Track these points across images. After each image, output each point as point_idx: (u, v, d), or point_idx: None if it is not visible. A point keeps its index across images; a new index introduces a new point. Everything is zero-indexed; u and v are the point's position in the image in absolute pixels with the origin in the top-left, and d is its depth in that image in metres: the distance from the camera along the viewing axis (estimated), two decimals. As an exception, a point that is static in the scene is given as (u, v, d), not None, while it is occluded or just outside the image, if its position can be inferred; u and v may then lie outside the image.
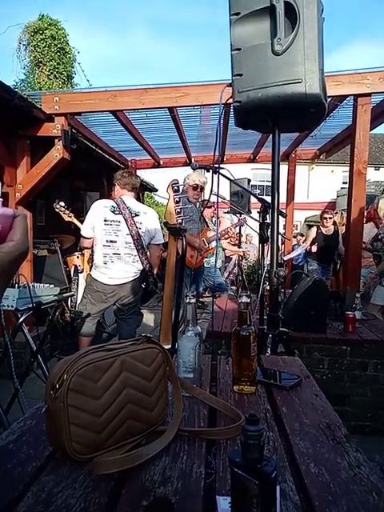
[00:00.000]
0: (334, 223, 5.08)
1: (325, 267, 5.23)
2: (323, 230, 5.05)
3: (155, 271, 2.78)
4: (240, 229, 4.49)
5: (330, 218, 5.03)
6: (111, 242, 2.59)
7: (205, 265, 4.39)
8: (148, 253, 2.76)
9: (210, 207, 4.29)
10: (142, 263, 2.65)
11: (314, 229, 5.21)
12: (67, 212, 3.35)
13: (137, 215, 2.62)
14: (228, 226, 4.41)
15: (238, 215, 4.25)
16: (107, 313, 3.59)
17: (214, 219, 4.57)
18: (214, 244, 3.89)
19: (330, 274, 5.26)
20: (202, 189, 3.52)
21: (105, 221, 2.57)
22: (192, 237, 3.34)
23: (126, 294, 2.65)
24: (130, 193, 2.69)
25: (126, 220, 2.57)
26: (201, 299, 5.67)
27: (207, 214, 4.52)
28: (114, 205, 2.59)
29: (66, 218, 3.37)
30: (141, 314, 2.94)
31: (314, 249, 5.06)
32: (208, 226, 3.92)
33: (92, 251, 2.77)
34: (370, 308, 3.66)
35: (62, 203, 3.38)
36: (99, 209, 2.60)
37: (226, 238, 5.08)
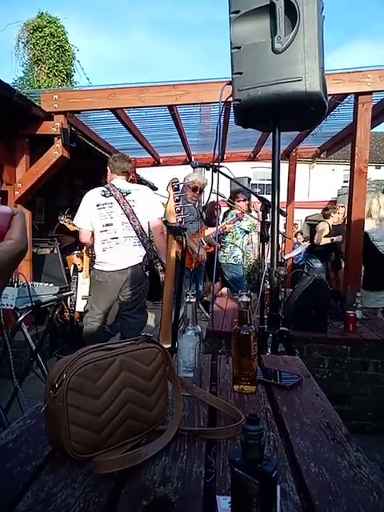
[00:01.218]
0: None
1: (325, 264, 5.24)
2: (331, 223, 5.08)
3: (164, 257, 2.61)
4: (240, 223, 4.46)
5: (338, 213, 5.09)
6: (107, 225, 2.53)
7: (232, 261, 4.35)
8: (151, 236, 2.66)
9: (244, 200, 4.24)
10: (145, 247, 2.54)
11: (326, 224, 5.14)
12: (72, 223, 3.39)
13: (128, 193, 2.55)
14: (225, 223, 4.38)
15: (239, 211, 4.23)
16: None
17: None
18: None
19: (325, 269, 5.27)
20: (201, 190, 3.51)
21: (97, 205, 2.53)
22: (191, 237, 3.33)
23: (128, 283, 2.53)
24: (120, 176, 2.63)
25: (117, 200, 2.51)
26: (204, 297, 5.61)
27: (243, 207, 4.41)
28: (105, 189, 2.56)
29: (72, 228, 3.43)
30: (146, 313, 2.76)
31: (325, 240, 5.01)
32: (206, 225, 3.92)
33: (92, 248, 2.74)
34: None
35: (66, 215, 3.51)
36: (90, 196, 2.57)
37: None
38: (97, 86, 3.64)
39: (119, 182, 2.61)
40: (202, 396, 0.86)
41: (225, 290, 4.79)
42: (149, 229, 2.64)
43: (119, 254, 2.52)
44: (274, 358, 1.27)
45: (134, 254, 2.54)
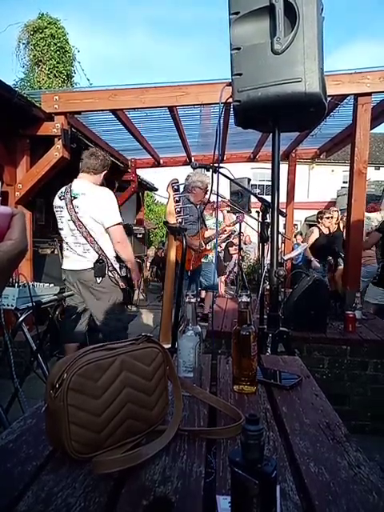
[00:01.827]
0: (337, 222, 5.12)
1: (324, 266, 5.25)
2: (324, 230, 5.07)
3: (130, 265, 2.43)
4: (240, 226, 4.47)
5: (329, 218, 5.07)
6: (60, 229, 2.47)
7: (203, 260, 4.37)
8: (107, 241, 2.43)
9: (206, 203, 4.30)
10: (97, 253, 2.36)
11: (316, 230, 5.17)
12: None
13: (75, 198, 2.35)
14: (224, 225, 4.39)
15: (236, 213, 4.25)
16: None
17: (212, 214, 4.52)
18: (209, 246, 3.88)
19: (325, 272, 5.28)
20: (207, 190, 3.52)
21: (54, 207, 2.48)
22: (191, 238, 3.32)
23: (83, 287, 2.41)
24: (85, 174, 2.43)
25: (66, 205, 2.37)
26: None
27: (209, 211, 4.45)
28: (63, 190, 2.45)
29: None
30: (117, 320, 2.44)
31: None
32: (206, 227, 3.91)
33: None
34: (364, 305, 3.66)
35: None
36: (56, 196, 2.50)
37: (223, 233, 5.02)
38: (97, 87, 3.65)
39: (78, 182, 2.43)
40: (201, 396, 0.86)
41: (222, 290, 4.84)
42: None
43: (72, 259, 2.45)
44: (274, 358, 1.27)
45: (84, 260, 2.40)
